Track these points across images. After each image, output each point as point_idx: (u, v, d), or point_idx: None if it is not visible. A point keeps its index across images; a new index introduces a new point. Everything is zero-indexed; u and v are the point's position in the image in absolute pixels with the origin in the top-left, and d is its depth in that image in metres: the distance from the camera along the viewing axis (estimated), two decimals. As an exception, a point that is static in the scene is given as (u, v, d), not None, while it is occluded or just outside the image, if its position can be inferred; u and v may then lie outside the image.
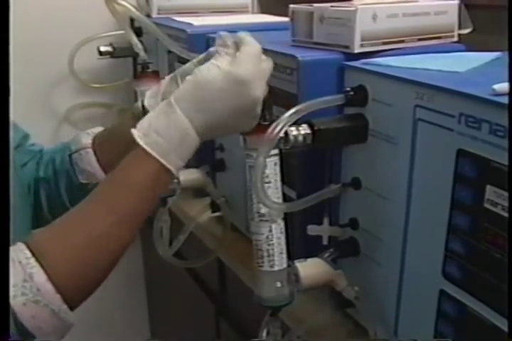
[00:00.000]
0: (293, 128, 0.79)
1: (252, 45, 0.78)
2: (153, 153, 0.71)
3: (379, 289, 0.84)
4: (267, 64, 0.80)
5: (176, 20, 1.51)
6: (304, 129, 0.79)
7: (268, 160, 0.79)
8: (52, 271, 0.64)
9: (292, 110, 0.78)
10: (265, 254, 0.80)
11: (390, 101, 0.77)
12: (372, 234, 0.85)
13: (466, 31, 1.04)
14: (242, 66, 0.75)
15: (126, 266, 2.03)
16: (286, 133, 0.78)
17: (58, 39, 1.78)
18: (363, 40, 0.92)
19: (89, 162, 0.93)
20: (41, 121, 1.91)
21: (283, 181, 0.89)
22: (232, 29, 1.28)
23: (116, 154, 0.90)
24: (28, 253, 0.64)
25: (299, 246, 1.00)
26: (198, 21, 1.42)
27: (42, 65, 1.83)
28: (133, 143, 0.72)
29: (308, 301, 0.96)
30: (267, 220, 0.80)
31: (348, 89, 0.81)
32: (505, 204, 0.60)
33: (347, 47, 0.93)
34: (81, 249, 0.68)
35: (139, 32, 1.53)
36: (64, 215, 0.71)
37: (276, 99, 0.98)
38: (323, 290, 0.95)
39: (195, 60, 0.87)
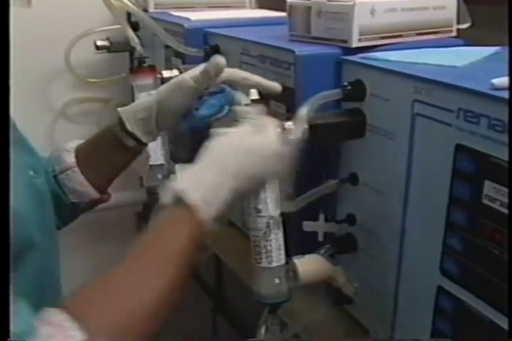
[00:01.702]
0: (290, 123, 0.78)
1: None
2: (203, 217, 0.66)
3: (376, 285, 0.84)
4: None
5: (172, 15, 1.50)
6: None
7: None
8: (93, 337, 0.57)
9: (304, 109, 0.78)
10: (263, 250, 0.79)
11: (388, 96, 0.76)
12: (369, 230, 0.84)
13: (465, 26, 1.04)
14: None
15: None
16: (283, 128, 0.78)
17: (55, 33, 1.77)
18: (360, 35, 0.92)
19: (79, 181, 0.90)
20: (37, 116, 1.90)
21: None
22: (230, 24, 1.29)
23: (101, 168, 0.91)
24: (69, 318, 0.56)
25: (295, 243, 1.00)
26: (195, 16, 1.41)
27: (38, 59, 1.81)
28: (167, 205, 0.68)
29: (305, 298, 0.96)
30: (264, 216, 0.79)
31: (346, 83, 0.81)
32: (504, 199, 0.60)
33: (345, 41, 0.92)
34: (131, 321, 0.61)
35: (135, 26, 1.52)
36: (106, 280, 0.63)
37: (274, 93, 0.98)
38: (320, 286, 0.95)
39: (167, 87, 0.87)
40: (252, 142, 0.72)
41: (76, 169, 0.90)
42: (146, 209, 1.99)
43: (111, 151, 0.90)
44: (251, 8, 1.75)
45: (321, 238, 0.89)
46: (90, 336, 0.55)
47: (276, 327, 0.82)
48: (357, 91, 0.80)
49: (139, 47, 1.25)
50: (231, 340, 1.45)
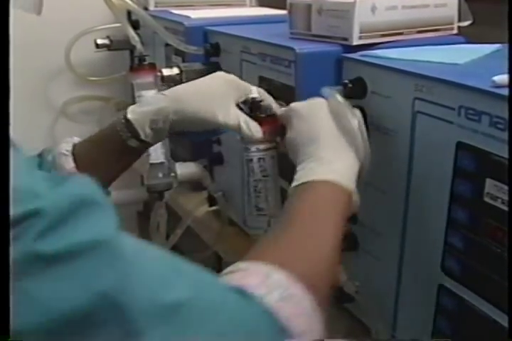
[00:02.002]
0: None
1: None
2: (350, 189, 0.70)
3: (378, 284, 0.84)
4: None
5: (173, 13, 1.50)
6: (302, 122, 0.78)
7: (265, 153, 0.78)
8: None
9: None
10: None
11: (388, 94, 0.76)
12: (371, 229, 0.84)
13: (466, 23, 1.03)
14: None
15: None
16: (284, 126, 0.78)
17: (55, 32, 1.77)
18: (361, 33, 0.91)
19: None
20: (38, 115, 1.90)
21: (281, 175, 0.88)
22: (230, 22, 1.28)
23: (104, 172, 0.85)
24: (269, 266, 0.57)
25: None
26: (195, 14, 1.41)
27: (39, 58, 1.81)
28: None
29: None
30: (265, 214, 0.79)
31: (347, 81, 0.81)
32: (505, 197, 0.59)
33: (345, 39, 0.92)
34: (318, 274, 0.61)
35: (136, 25, 1.52)
36: (283, 233, 0.65)
37: (274, 91, 0.97)
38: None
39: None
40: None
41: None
42: (147, 208, 1.99)
43: (115, 155, 0.85)
44: (251, 6, 1.75)
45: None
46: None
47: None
48: (358, 88, 0.80)
49: (139, 46, 1.25)
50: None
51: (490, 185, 0.61)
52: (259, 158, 0.80)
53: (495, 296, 0.63)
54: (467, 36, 1.00)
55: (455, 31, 1.03)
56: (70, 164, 0.85)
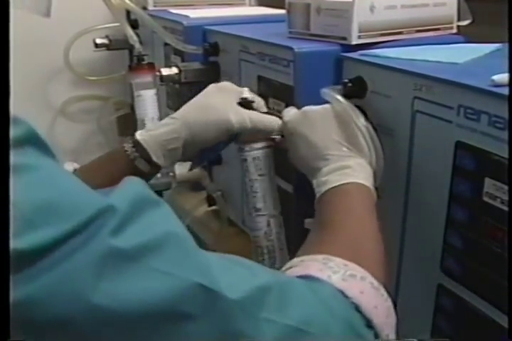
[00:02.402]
0: None
1: None
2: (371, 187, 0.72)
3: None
4: None
5: (172, 13, 1.50)
6: (301, 121, 0.78)
7: (260, 152, 0.78)
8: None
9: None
10: (265, 251, 0.78)
11: (388, 93, 0.76)
12: (369, 228, 0.84)
13: (465, 23, 1.03)
14: None
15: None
16: None
17: (54, 31, 1.76)
18: (360, 32, 0.91)
19: None
20: (37, 114, 1.87)
21: (280, 175, 0.88)
22: (229, 21, 1.28)
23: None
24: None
25: (297, 240, 0.99)
26: (194, 14, 1.41)
27: (38, 57, 1.81)
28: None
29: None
30: (264, 214, 0.79)
31: (346, 80, 0.80)
32: (505, 197, 0.59)
33: (344, 38, 0.92)
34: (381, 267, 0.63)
35: (135, 24, 1.52)
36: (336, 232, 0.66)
37: (273, 91, 0.97)
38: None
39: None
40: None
41: None
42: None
43: (121, 178, 0.83)
44: (250, 5, 1.75)
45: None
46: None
47: None
48: (357, 88, 0.80)
49: (137, 45, 1.25)
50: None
51: (489, 185, 0.61)
52: (254, 158, 0.81)
53: (494, 296, 0.63)
54: (466, 35, 1.00)
55: (454, 30, 1.03)
56: None
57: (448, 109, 0.66)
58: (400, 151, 0.74)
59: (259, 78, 1.03)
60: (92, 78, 1.86)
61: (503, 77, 0.60)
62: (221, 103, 0.83)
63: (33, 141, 0.44)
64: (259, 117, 0.82)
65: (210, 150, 0.83)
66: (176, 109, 1.37)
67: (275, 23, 1.18)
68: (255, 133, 0.81)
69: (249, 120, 0.81)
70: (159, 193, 1.20)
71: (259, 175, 0.80)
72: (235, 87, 0.87)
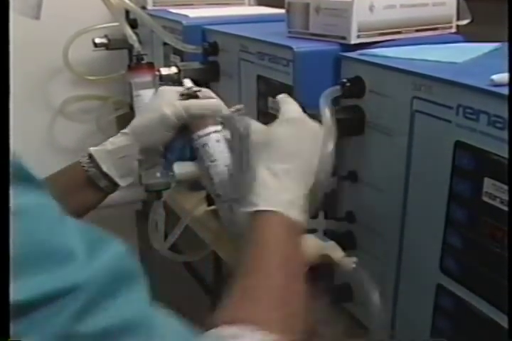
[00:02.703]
0: None
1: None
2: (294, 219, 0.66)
3: (376, 283, 0.83)
4: None
5: (171, 12, 1.50)
6: (300, 121, 0.78)
7: (207, 138, 0.80)
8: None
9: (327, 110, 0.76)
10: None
11: (387, 93, 0.76)
12: (369, 228, 0.84)
13: (465, 22, 1.03)
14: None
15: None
16: None
17: (53, 31, 1.77)
18: (359, 31, 0.91)
19: None
20: (36, 114, 1.90)
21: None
22: (228, 21, 1.28)
23: (66, 208, 0.86)
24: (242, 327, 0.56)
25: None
26: (193, 13, 1.41)
27: (37, 57, 1.81)
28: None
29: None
30: (225, 201, 0.79)
31: (345, 80, 0.80)
32: (504, 197, 0.59)
33: (343, 38, 0.92)
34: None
35: (134, 24, 1.52)
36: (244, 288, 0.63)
37: (272, 90, 0.97)
38: (319, 284, 0.94)
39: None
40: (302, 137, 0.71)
41: None
42: (146, 207, 1.98)
43: (80, 191, 0.86)
44: (249, 5, 1.75)
45: (321, 235, 0.88)
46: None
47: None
48: (356, 87, 0.80)
49: (136, 45, 1.25)
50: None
51: (488, 185, 0.61)
52: (203, 145, 0.81)
53: (493, 296, 0.63)
54: (466, 35, 1.00)
55: (454, 30, 1.03)
56: None
57: (447, 109, 0.65)
58: (398, 151, 0.74)
59: (259, 78, 1.03)
60: (91, 78, 1.87)
61: (502, 77, 0.60)
62: (157, 103, 0.86)
63: (20, 177, 0.42)
64: (196, 103, 0.83)
65: (171, 150, 0.85)
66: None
67: (274, 23, 1.18)
68: (202, 121, 0.82)
69: (184, 108, 0.82)
70: (159, 193, 1.20)
71: (211, 162, 0.80)
72: (173, 87, 0.90)
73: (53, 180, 0.86)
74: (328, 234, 0.89)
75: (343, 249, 0.88)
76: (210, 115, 0.82)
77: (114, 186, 0.86)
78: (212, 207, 1.29)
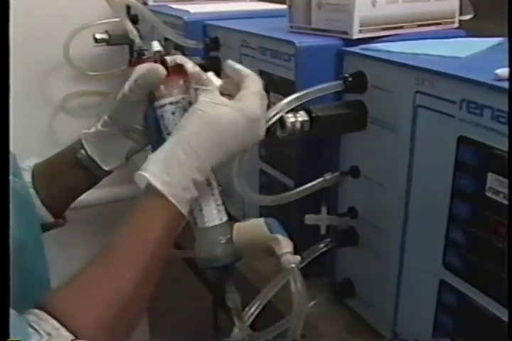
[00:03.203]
0: (290, 115, 0.77)
1: (257, 82, 0.75)
2: (176, 203, 0.67)
3: (378, 279, 0.83)
4: (266, 100, 0.75)
5: (172, 8, 1.49)
6: (302, 116, 0.78)
7: (163, 110, 0.75)
8: (82, 336, 0.59)
9: (290, 97, 0.77)
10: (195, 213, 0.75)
11: (389, 88, 0.75)
12: (371, 224, 0.83)
13: (467, 17, 1.03)
14: (253, 104, 0.72)
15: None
16: (283, 120, 0.77)
17: (53, 26, 1.76)
18: (361, 26, 0.91)
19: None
20: (37, 110, 1.90)
21: (280, 169, 0.87)
22: (229, 16, 1.28)
23: (59, 190, 0.86)
24: (56, 323, 0.58)
25: (297, 236, 0.99)
26: (194, 8, 1.40)
27: (37, 52, 1.81)
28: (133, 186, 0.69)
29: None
30: None
31: (347, 75, 0.80)
32: (508, 192, 0.59)
33: (345, 33, 0.91)
34: (113, 313, 0.63)
35: (135, 19, 1.52)
36: (82, 274, 0.64)
37: (274, 85, 0.97)
38: (321, 279, 0.94)
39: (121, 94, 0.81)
40: (221, 117, 0.70)
41: (31, 190, 0.86)
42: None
43: (70, 172, 0.86)
44: (250, 0, 1.74)
45: (323, 231, 0.88)
46: (78, 334, 0.58)
47: (236, 295, 0.78)
48: (358, 82, 0.79)
49: (137, 40, 1.25)
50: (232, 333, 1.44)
51: (492, 180, 0.61)
52: (160, 116, 0.76)
53: (497, 291, 0.63)
54: (468, 30, 1.00)
55: (456, 25, 1.02)
56: (27, 178, 0.85)
57: (450, 104, 0.65)
58: (401, 146, 0.74)
59: (260, 73, 1.02)
60: (92, 73, 1.86)
61: (506, 71, 0.59)
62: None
63: None
64: (140, 74, 0.77)
65: (148, 128, 0.80)
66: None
67: (275, 18, 1.17)
68: (159, 92, 0.77)
69: (133, 78, 0.78)
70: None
71: (167, 134, 0.75)
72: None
73: (48, 162, 0.87)
74: (330, 230, 0.89)
75: (345, 245, 0.88)
76: (154, 84, 0.76)
77: (104, 170, 0.84)
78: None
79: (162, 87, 0.76)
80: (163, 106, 0.75)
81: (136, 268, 0.65)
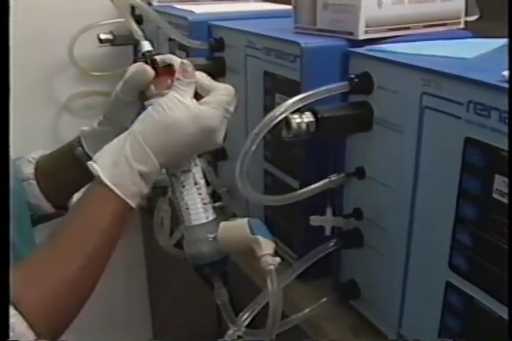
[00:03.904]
0: (296, 116, 0.77)
1: (227, 90, 0.77)
2: (122, 195, 0.70)
3: (383, 280, 0.83)
4: (233, 108, 0.78)
5: (176, 8, 1.49)
6: (308, 117, 0.78)
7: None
8: (30, 317, 0.63)
9: (295, 98, 0.77)
10: (179, 210, 0.79)
11: (395, 89, 0.75)
12: (376, 225, 0.83)
13: (473, 18, 1.03)
14: (213, 113, 0.74)
15: (127, 257, 2.03)
16: (289, 121, 0.77)
17: (58, 27, 1.77)
18: (367, 27, 0.91)
19: (33, 194, 0.89)
20: (41, 110, 1.90)
21: (285, 170, 0.87)
22: (233, 17, 1.28)
23: (59, 183, 0.89)
24: None
25: (302, 237, 0.99)
26: (198, 9, 1.40)
27: (42, 53, 1.81)
28: (86, 175, 0.73)
29: (309, 291, 0.95)
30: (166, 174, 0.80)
31: (353, 76, 0.80)
32: (514, 194, 0.59)
33: (351, 33, 0.91)
34: (58, 295, 0.67)
35: (139, 20, 1.51)
36: (33, 257, 0.70)
37: (279, 86, 0.97)
38: (326, 280, 0.94)
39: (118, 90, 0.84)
40: (174, 118, 0.73)
41: (32, 181, 0.89)
42: (150, 203, 1.98)
43: (69, 167, 0.88)
44: (255, 1, 1.74)
45: (328, 232, 0.88)
46: (23, 312, 0.62)
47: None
48: (364, 83, 0.79)
49: (142, 41, 1.24)
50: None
51: (499, 181, 0.61)
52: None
53: (503, 293, 0.62)
54: (474, 31, 1.00)
55: (462, 26, 1.02)
56: (29, 169, 0.89)
57: (457, 105, 0.65)
58: (407, 148, 0.74)
59: (265, 73, 1.02)
60: (96, 74, 1.87)
61: (513, 73, 0.59)
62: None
63: None
64: (127, 75, 0.81)
65: None
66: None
67: (280, 19, 1.17)
68: (147, 92, 0.80)
69: (123, 79, 0.81)
70: (164, 189, 1.19)
71: None
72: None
73: (50, 156, 0.91)
74: (335, 231, 0.88)
75: (350, 246, 0.88)
76: (143, 84, 0.79)
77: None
78: (218, 203, 1.29)
79: (152, 86, 0.78)
80: (150, 105, 0.77)
81: (82, 254, 0.68)
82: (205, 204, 0.79)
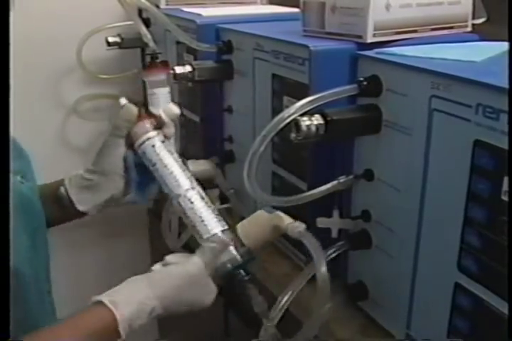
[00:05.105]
0: (305, 119, 0.78)
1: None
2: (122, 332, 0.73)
3: (392, 282, 0.83)
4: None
5: (184, 11, 1.50)
6: (317, 119, 0.78)
7: (142, 147, 0.87)
8: None
9: (304, 100, 0.78)
10: (191, 227, 0.83)
11: (404, 91, 0.75)
12: (385, 227, 0.84)
13: (480, 21, 1.03)
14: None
15: (134, 258, 2.03)
16: (298, 123, 0.77)
17: (66, 30, 1.77)
18: (375, 30, 0.91)
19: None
20: (49, 113, 1.90)
21: (293, 172, 0.87)
22: (241, 20, 1.28)
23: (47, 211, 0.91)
24: None
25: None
26: (206, 12, 1.41)
27: (50, 56, 1.81)
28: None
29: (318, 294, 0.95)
30: (172, 197, 0.84)
31: (362, 79, 0.80)
32: (524, 196, 0.59)
33: (359, 36, 0.92)
34: None
35: (147, 23, 1.52)
36: None
37: (287, 89, 0.97)
38: (334, 282, 0.94)
39: None
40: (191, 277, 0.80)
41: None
42: (157, 205, 1.99)
43: (50, 204, 0.91)
44: (262, 4, 1.75)
45: (335, 234, 0.88)
46: None
47: (259, 298, 0.82)
48: (373, 86, 0.80)
49: (151, 43, 1.25)
50: (243, 335, 1.44)
51: (508, 184, 0.61)
52: (143, 153, 0.87)
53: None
54: (481, 34, 1.00)
55: (469, 29, 1.02)
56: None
57: (466, 108, 0.65)
58: (417, 150, 0.74)
59: (274, 76, 1.03)
60: (104, 76, 1.87)
61: (522, 76, 0.59)
62: None
63: None
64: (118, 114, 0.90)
65: (129, 169, 0.90)
66: (187, 107, 1.37)
67: (288, 22, 1.18)
68: (134, 133, 0.88)
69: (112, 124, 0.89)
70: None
71: (152, 166, 0.86)
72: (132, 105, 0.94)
73: (45, 187, 0.94)
74: (343, 233, 0.89)
75: (359, 248, 0.88)
76: (126, 124, 0.88)
77: (77, 210, 0.91)
78: (226, 205, 1.30)
79: (135, 129, 0.88)
80: (142, 143, 0.86)
81: None
82: (217, 215, 0.83)
